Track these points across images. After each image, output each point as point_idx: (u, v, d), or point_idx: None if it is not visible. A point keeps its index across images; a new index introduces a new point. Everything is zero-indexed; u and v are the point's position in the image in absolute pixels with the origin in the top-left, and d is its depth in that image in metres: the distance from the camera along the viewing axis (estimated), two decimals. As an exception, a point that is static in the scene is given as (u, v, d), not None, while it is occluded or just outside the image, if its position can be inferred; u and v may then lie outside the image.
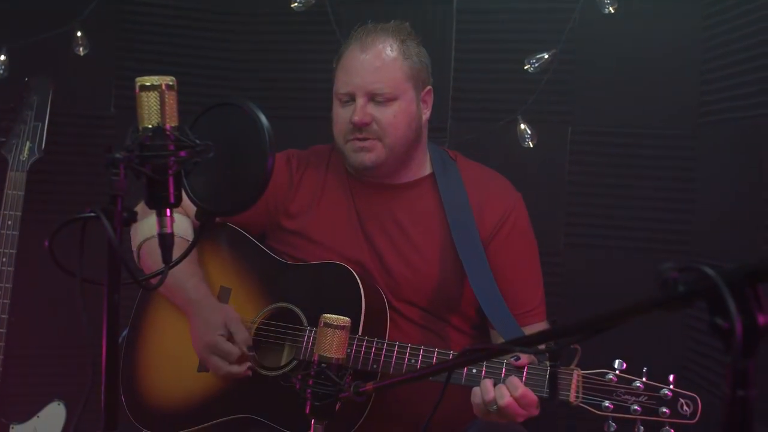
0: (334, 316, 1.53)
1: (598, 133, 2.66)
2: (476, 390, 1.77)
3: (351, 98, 2.02)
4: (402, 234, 2.07)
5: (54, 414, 2.62)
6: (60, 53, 2.76)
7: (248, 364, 1.98)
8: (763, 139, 2.21)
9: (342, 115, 2.04)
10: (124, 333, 2.18)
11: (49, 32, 2.73)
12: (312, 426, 1.51)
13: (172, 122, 1.16)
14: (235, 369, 1.97)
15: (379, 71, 1.99)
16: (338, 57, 2.08)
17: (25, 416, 2.63)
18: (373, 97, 2.00)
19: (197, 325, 2.02)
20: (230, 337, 1.97)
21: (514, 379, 1.73)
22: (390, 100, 2.00)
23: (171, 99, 1.16)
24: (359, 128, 2.00)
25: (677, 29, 2.57)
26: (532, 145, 2.61)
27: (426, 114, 2.10)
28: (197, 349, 2.02)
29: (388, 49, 2.01)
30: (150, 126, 1.15)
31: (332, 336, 1.51)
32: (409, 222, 2.08)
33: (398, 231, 2.07)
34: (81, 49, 2.73)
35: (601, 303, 2.48)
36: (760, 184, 2.20)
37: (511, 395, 1.70)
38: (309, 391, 1.49)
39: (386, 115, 2.00)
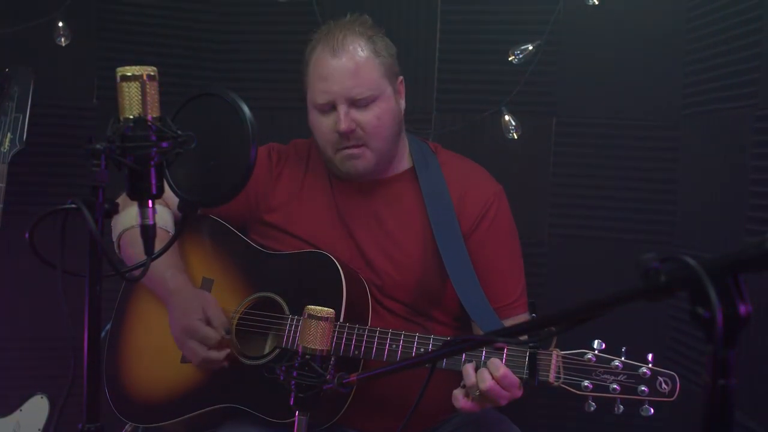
0: (317, 307, 1.52)
1: (583, 125, 2.66)
2: (456, 393, 1.78)
3: (331, 107, 1.99)
4: (383, 230, 2.06)
5: (37, 407, 2.60)
6: (41, 43, 2.73)
7: (227, 351, 1.96)
8: (745, 131, 2.22)
9: (325, 125, 2.00)
10: (108, 326, 2.17)
11: (31, 22, 2.70)
12: (296, 416, 1.51)
13: (153, 113, 1.15)
14: (214, 355, 1.94)
15: (356, 75, 1.96)
16: (306, 62, 2.04)
17: (7, 410, 2.61)
18: (353, 102, 1.97)
19: (175, 313, 2.01)
20: (208, 322, 1.96)
21: (495, 360, 1.72)
22: (371, 101, 1.98)
23: (152, 89, 1.16)
24: (346, 136, 1.98)
25: (661, 20, 2.57)
26: (516, 137, 2.61)
27: (402, 104, 2.10)
28: (175, 336, 2.00)
29: (359, 49, 1.98)
30: (131, 116, 1.14)
31: (316, 327, 1.51)
32: (390, 217, 2.07)
33: (379, 227, 2.06)
34: (63, 39, 2.70)
35: (584, 293, 2.49)
36: (743, 175, 2.21)
37: (493, 377, 1.70)
38: (293, 382, 1.49)
39: (369, 117, 1.98)
